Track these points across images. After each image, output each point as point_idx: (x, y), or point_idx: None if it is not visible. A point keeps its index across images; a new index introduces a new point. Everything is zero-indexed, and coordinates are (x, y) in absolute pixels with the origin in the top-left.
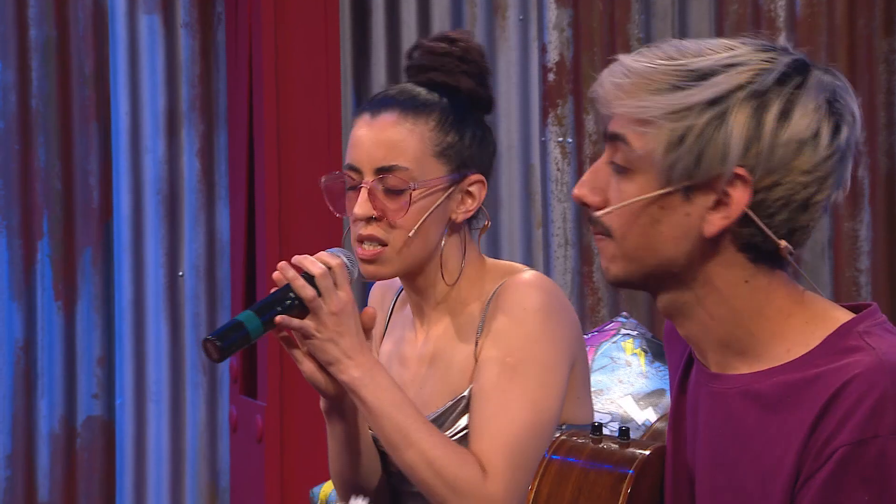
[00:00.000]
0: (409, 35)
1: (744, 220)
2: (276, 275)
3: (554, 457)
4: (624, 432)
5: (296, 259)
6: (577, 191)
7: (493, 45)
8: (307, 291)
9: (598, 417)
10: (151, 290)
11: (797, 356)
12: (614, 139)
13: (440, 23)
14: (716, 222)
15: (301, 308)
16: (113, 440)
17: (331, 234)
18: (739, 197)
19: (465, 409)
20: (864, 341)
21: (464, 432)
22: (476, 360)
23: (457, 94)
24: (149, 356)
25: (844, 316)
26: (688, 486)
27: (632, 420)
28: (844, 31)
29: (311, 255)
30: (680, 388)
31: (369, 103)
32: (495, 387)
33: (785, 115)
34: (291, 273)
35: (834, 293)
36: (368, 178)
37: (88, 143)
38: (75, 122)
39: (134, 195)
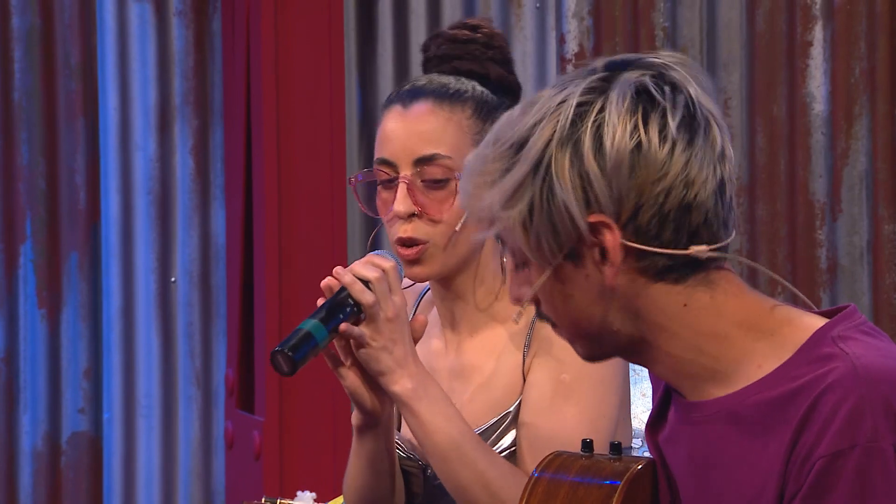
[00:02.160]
0: (418, 23)
1: (636, 253)
2: (325, 282)
3: (542, 474)
4: (615, 447)
5: (347, 268)
6: (509, 295)
7: (508, 35)
8: (367, 297)
9: None
10: (142, 298)
11: (770, 370)
12: (502, 241)
13: (451, 9)
14: (609, 273)
15: (356, 315)
16: (100, 457)
17: (334, 237)
18: (611, 241)
19: (510, 427)
20: (838, 347)
21: (509, 450)
22: (524, 376)
23: (486, 81)
24: (139, 368)
25: (817, 322)
26: None
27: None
28: (886, 19)
29: (311, 258)
30: (651, 427)
31: (398, 95)
32: (551, 405)
33: (598, 143)
34: (349, 277)
35: (873, 300)
36: (406, 172)
37: (75, 139)
38: (60, 117)
39: (123, 195)
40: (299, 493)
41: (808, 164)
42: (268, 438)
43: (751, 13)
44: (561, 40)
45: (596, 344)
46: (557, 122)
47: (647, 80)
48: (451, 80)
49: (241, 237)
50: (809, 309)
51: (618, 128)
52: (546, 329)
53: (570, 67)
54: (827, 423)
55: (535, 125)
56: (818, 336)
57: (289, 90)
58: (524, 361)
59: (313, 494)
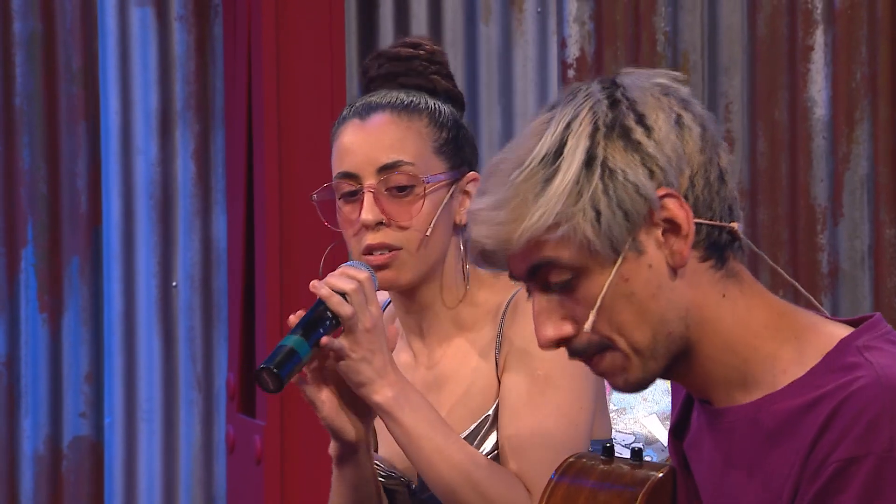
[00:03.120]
0: (420, 27)
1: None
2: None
3: (562, 478)
4: (636, 453)
5: (322, 281)
6: (544, 338)
7: (509, 39)
8: (345, 308)
9: (620, 438)
10: (143, 302)
11: (795, 378)
12: (538, 269)
13: (452, 13)
14: (680, 248)
15: (335, 328)
16: (101, 462)
17: (336, 242)
18: (679, 212)
19: (490, 430)
20: (862, 357)
21: (492, 454)
22: (498, 378)
23: (433, 94)
24: (140, 372)
25: (841, 331)
26: None
27: (657, 441)
28: (887, 24)
29: (312, 263)
30: (675, 432)
31: (353, 110)
32: (528, 402)
33: (642, 122)
34: (325, 290)
35: (874, 304)
36: (371, 181)
37: (76, 144)
38: (62, 121)
39: (124, 200)
40: None
41: (810, 169)
42: (269, 443)
43: (752, 17)
44: (562, 45)
45: (650, 360)
46: (594, 116)
47: (657, 80)
48: (402, 94)
49: (243, 241)
50: (818, 311)
51: (653, 107)
52: (517, 327)
53: (570, 72)
54: (846, 431)
55: (567, 129)
56: (843, 345)
57: (290, 95)
58: (497, 363)
59: None
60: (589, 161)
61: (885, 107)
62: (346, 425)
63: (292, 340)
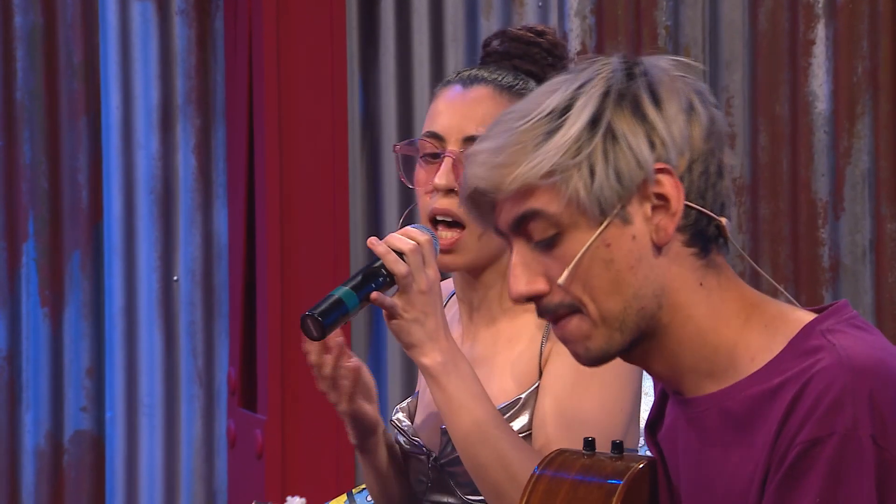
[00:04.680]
0: (420, 22)
1: (682, 212)
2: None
3: (544, 472)
4: (617, 446)
5: (383, 239)
6: (515, 291)
7: None
8: (400, 267)
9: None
10: (144, 297)
11: (762, 364)
12: (523, 221)
13: (453, 8)
14: (665, 225)
15: (389, 286)
16: (102, 456)
17: (336, 236)
18: (672, 189)
19: (519, 413)
20: (826, 339)
21: (521, 436)
22: (540, 366)
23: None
24: (141, 367)
25: (808, 316)
26: None
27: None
28: (888, 18)
29: (313, 257)
30: (650, 427)
31: (458, 77)
32: (571, 392)
33: (655, 97)
34: (382, 248)
35: (875, 299)
36: (454, 148)
37: (77, 138)
38: (63, 116)
39: (126, 194)
40: (289, 498)
41: (811, 163)
42: (270, 437)
43: (753, 12)
44: (563, 38)
45: (616, 332)
46: (608, 82)
47: (672, 67)
48: (511, 76)
49: (244, 236)
50: (791, 303)
51: (668, 88)
52: None
53: (571, 66)
54: (810, 412)
55: (579, 90)
56: (807, 329)
57: (291, 89)
58: (541, 352)
59: (303, 500)
60: (594, 122)
61: (887, 101)
62: (364, 414)
63: (342, 291)
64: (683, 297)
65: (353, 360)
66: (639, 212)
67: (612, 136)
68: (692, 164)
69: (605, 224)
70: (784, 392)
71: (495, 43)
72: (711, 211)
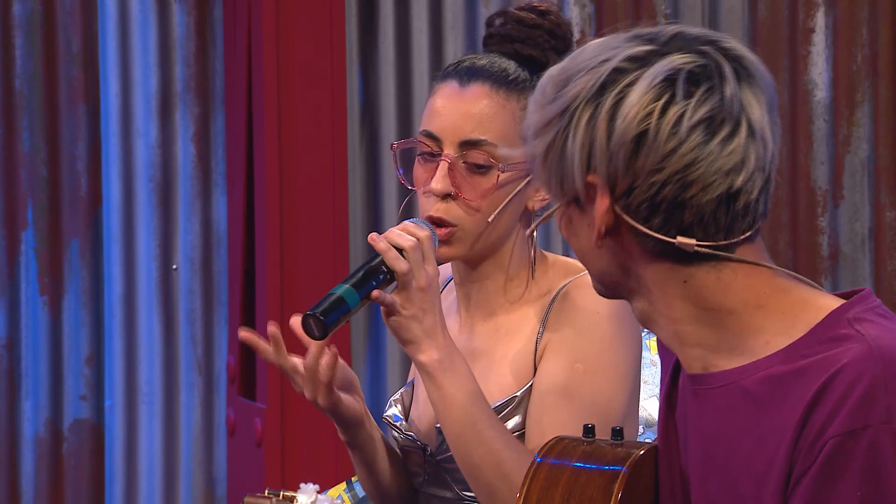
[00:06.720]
0: (420, 9)
1: (629, 226)
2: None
3: (544, 459)
4: (617, 433)
5: (382, 235)
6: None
7: None
8: (401, 264)
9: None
10: (143, 285)
11: (779, 348)
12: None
13: None
14: (593, 236)
15: (389, 283)
16: (102, 444)
17: (335, 224)
18: (598, 206)
19: (515, 411)
20: (853, 329)
21: (515, 434)
22: (535, 363)
23: (543, 70)
24: (140, 355)
25: (833, 303)
26: (682, 493)
27: (657, 423)
28: (887, 6)
29: (312, 245)
30: (667, 400)
31: (456, 70)
32: (564, 393)
33: (612, 115)
34: (383, 244)
35: (874, 287)
36: (449, 152)
37: (76, 126)
38: (62, 104)
39: (125, 182)
40: (302, 485)
41: (810, 151)
42: (269, 425)
43: (752, 0)
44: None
45: (607, 282)
46: (591, 79)
47: (688, 69)
48: (511, 66)
49: (243, 224)
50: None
51: (633, 108)
52: (563, 317)
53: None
54: (840, 404)
55: (577, 73)
56: (834, 317)
57: (290, 77)
58: (536, 349)
59: (316, 486)
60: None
61: (886, 89)
62: (346, 407)
63: (343, 289)
64: (659, 290)
65: (327, 356)
66: (590, 209)
67: (566, 136)
68: (631, 191)
69: (557, 207)
70: (809, 378)
71: (498, 23)
72: (666, 232)
